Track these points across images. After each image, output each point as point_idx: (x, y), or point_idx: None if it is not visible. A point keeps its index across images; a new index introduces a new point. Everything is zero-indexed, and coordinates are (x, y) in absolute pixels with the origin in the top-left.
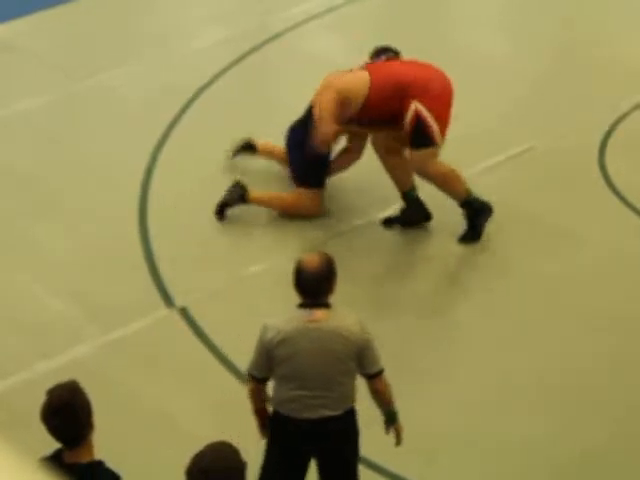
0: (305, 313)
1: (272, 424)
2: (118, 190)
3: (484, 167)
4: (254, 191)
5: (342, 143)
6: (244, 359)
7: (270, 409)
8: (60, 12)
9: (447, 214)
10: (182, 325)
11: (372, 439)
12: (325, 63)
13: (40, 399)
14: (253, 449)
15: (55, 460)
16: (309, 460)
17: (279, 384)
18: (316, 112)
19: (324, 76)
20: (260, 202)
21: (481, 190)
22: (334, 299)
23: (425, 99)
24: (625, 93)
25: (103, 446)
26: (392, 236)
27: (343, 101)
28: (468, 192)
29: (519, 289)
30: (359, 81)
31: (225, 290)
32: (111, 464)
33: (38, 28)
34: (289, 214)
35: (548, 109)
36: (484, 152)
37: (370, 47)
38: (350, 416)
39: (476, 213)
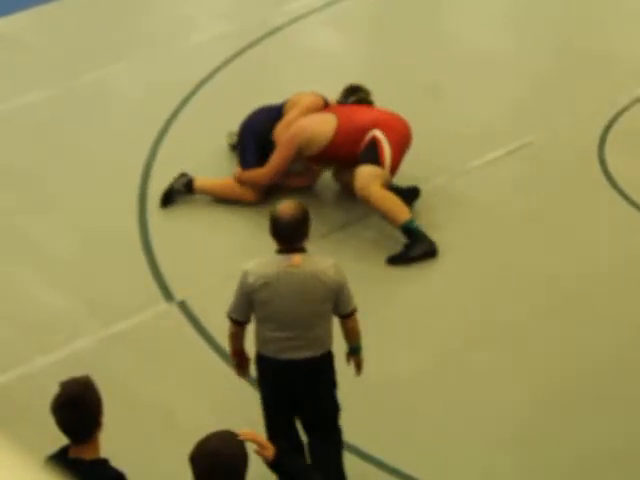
0: (284, 258)
1: (260, 365)
2: (118, 185)
3: (483, 162)
4: (199, 179)
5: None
6: None
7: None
8: (59, 7)
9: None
10: (181, 319)
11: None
12: (324, 58)
13: (40, 393)
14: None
15: (60, 456)
16: (295, 401)
17: (259, 326)
18: (274, 155)
19: (296, 95)
20: (204, 190)
21: (480, 184)
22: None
23: (385, 131)
24: (624, 88)
25: (102, 440)
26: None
27: (306, 144)
28: (409, 220)
29: (519, 286)
30: (326, 126)
31: (224, 284)
32: (110, 458)
33: (37, 23)
34: (229, 199)
35: (547, 104)
36: (484, 147)
37: (369, 42)
38: (328, 358)
39: (413, 242)
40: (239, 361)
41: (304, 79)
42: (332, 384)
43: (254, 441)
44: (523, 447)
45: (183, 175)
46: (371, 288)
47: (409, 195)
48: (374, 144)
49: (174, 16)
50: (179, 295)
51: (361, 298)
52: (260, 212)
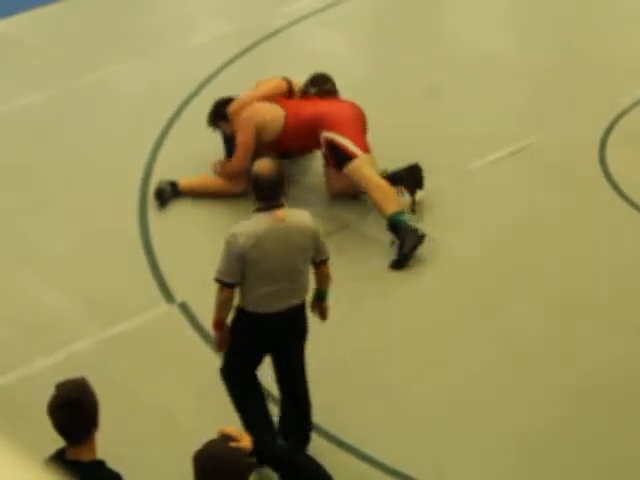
0: (268, 215)
1: (247, 322)
2: (119, 185)
3: (484, 162)
4: (183, 179)
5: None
6: None
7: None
8: (60, 8)
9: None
10: (182, 320)
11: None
12: (325, 59)
13: (40, 394)
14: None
15: (57, 458)
16: (275, 348)
17: (252, 285)
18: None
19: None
20: (191, 189)
21: (481, 185)
22: None
23: (333, 127)
24: (625, 89)
25: (102, 440)
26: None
27: (262, 126)
28: (399, 212)
29: (519, 286)
30: (276, 116)
31: None
32: (110, 458)
33: (38, 24)
34: (217, 193)
35: (549, 105)
36: (485, 148)
37: (370, 43)
38: (304, 305)
39: (402, 238)
40: (222, 334)
41: (304, 80)
42: (307, 324)
43: (230, 437)
44: (529, 453)
45: (167, 180)
46: (372, 287)
47: (411, 176)
48: (333, 147)
49: (175, 17)
50: (179, 296)
51: (362, 297)
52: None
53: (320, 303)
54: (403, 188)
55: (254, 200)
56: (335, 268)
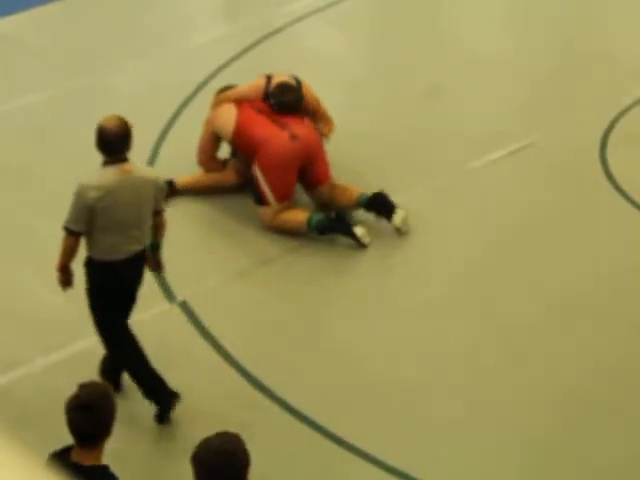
0: (116, 167)
1: (97, 271)
2: None
3: (486, 162)
4: (180, 179)
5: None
6: (245, 353)
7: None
8: (60, 8)
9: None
10: (183, 319)
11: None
12: (325, 58)
13: (40, 393)
14: (253, 441)
15: (62, 456)
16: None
17: (100, 234)
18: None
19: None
20: (186, 186)
21: (482, 185)
22: None
23: (261, 165)
24: (625, 88)
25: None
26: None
27: (219, 130)
28: (309, 220)
29: (519, 286)
30: (226, 128)
31: (226, 284)
32: (108, 458)
33: (38, 24)
34: (212, 187)
35: (548, 105)
36: (486, 147)
37: (370, 43)
38: (144, 251)
39: (336, 229)
40: (66, 276)
41: (305, 80)
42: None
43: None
44: (529, 453)
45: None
46: (371, 285)
47: (379, 205)
48: (255, 183)
49: (175, 16)
50: (180, 295)
51: (362, 296)
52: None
53: (155, 253)
54: (379, 216)
55: (102, 154)
56: (334, 268)
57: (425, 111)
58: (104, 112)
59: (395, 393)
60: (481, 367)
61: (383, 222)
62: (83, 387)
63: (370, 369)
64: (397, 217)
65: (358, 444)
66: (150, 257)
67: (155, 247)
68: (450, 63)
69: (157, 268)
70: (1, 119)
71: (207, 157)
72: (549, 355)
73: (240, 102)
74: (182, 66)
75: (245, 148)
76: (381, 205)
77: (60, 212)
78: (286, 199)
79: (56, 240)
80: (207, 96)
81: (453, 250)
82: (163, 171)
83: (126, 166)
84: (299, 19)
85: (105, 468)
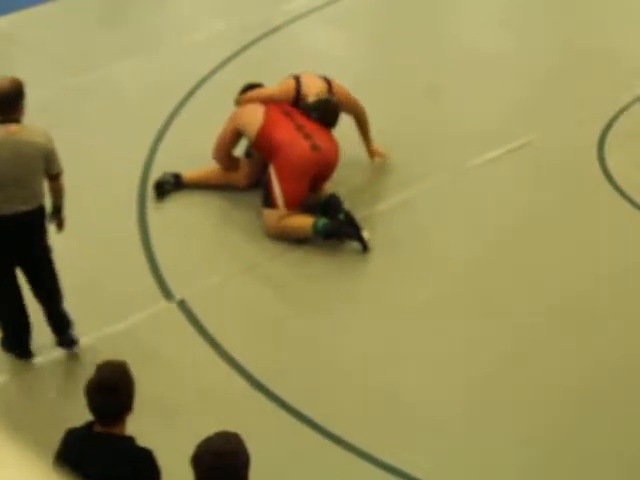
0: (2, 128)
1: None
2: (118, 183)
3: (484, 160)
4: (187, 172)
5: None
6: (242, 352)
7: None
8: (60, 6)
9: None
10: (181, 318)
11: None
12: (324, 57)
13: (39, 391)
14: (251, 440)
15: (86, 430)
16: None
17: None
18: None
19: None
20: (193, 180)
21: (480, 184)
22: None
23: (279, 167)
24: (624, 87)
25: None
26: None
27: (243, 128)
28: (315, 224)
29: (519, 286)
30: (251, 127)
31: (223, 283)
32: None
33: (38, 22)
34: (219, 184)
35: (547, 103)
36: (484, 146)
37: (370, 42)
38: (42, 210)
39: (342, 233)
40: None
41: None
42: (45, 230)
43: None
44: (529, 453)
45: (170, 173)
46: (369, 288)
47: (346, 228)
48: (268, 184)
49: (175, 14)
50: (178, 294)
51: (360, 299)
52: (258, 209)
53: (56, 215)
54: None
55: None
56: (334, 268)
57: (424, 110)
58: (104, 109)
59: (395, 392)
60: (481, 367)
61: (383, 224)
62: (101, 369)
63: (370, 368)
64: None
65: (357, 443)
66: (52, 216)
67: (55, 209)
68: (449, 62)
69: (58, 228)
70: None
71: (224, 154)
72: (549, 355)
73: (268, 103)
74: (181, 64)
75: (265, 149)
76: (348, 225)
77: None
78: (294, 206)
79: (54, 239)
80: (206, 94)
81: (452, 249)
82: (162, 167)
83: (12, 127)
84: (298, 17)
85: (132, 439)
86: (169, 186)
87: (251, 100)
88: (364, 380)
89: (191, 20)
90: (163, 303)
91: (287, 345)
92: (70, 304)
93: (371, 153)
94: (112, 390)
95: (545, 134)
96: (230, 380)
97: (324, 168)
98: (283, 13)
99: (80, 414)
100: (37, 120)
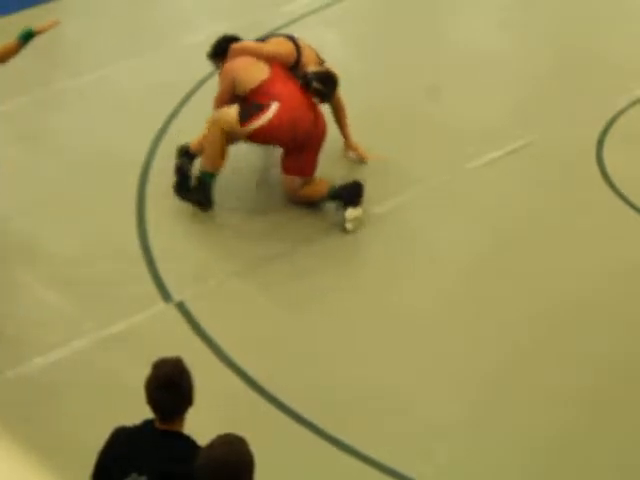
0: None
1: None
2: (116, 184)
3: (482, 162)
4: (192, 142)
5: None
6: (241, 353)
7: None
8: (59, 6)
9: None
10: (179, 320)
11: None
12: (325, 57)
13: (38, 393)
14: (251, 442)
15: (147, 427)
16: None
17: None
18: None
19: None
20: (199, 147)
21: (479, 184)
22: None
23: (283, 109)
24: (623, 89)
25: (101, 439)
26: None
27: (238, 82)
28: (329, 190)
29: (518, 286)
30: (249, 83)
31: (222, 285)
32: None
33: (39, 22)
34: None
35: (546, 104)
36: (483, 147)
37: (369, 43)
38: None
39: (348, 197)
40: None
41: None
42: None
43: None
44: (528, 453)
45: (181, 155)
46: (366, 286)
47: (349, 193)
48: (261, 107)
49: (174, 15)
50: (177, 296)
51: (357, 297)
52: (260, 216)
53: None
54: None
55: None
56: (334, 268)
57: (424, 110)
58: (104, 110)
59: (395, 393)
60: (482, 368)
61: (382, 224)
62: (159, 366)
63: (370, 370)
64: (351, 213)
65: (357, 445)
66: None
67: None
68: (449, 62)
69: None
70: (0, 117)
71: (220, 102)
72: (549, 355)
73: (272, 61)
74: (180, 65)
75: (262, 100)
76: (351, 193)
77: (58, 212)
78: (312, 174)
79: (52, 238)
80: (206, 94)
81: (452, 250)
82: (161, 168)
83: None
84: (297, 19)
85: (191, 437)
86: (187, 166)
87: (249, 52)
88: (363, 381)
89: (191, 20)
90: (161, 305)
91: (285, 346)
92: (68, 305)
93: (348, 146)
94: (174, 388)
95: (544, 135)
96: (228, 381)
97: (308, 133)
98: (282, 14)
99: (78, 411)
100: (37, 120)
